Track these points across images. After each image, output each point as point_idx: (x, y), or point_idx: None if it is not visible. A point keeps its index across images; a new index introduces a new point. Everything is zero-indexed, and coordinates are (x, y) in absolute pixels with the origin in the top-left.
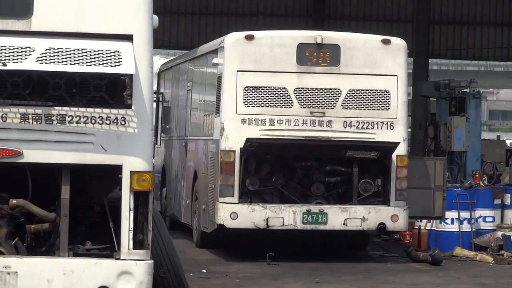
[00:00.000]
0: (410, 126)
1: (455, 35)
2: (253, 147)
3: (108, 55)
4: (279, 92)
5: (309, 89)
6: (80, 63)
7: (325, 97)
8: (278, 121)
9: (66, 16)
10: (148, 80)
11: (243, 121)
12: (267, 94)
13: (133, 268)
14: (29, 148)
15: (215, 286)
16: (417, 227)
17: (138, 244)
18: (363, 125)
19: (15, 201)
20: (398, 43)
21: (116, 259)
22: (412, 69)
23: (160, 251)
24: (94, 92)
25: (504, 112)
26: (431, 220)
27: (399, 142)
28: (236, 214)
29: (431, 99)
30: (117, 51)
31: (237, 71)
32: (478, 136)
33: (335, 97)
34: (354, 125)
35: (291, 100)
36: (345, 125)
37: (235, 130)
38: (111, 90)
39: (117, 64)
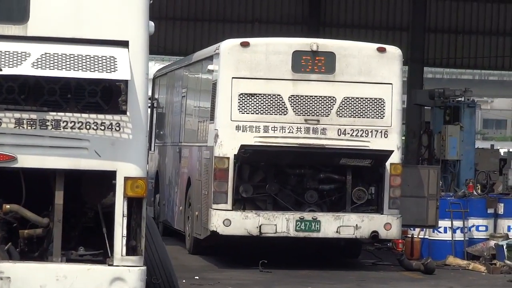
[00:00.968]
0: (404, 134)
1: (450, 43)
2: (247, 154)
3: (104, 61)
4: (273, 99)
5: (304, 97)
6: (76, 69)
7: (320, 105)
8: (273, 128)
9: (62, 21)
10: (143, 86)
11: (238, 128)
12: (262, 101)
13: (126, 274)
14: (23, 153)
15: None
16: (410, 236)
17: (131, 250)
18: (358, 133)
19: (8, 206)
20: (393, 51)
21: (109, 265)
22: (407, 77)
23: (153, 258)
24: (89, 98)
25: (498, 121)
26: (424, 229)
27: (393, 150)
28: (229, 221)
29: (425, 107)
30: (112, 57)
31: (232, 77)
32: (472, 145)
33: (329, 105)
34: (348, 133)
35: (286, 108)
36: (339, 133)
37: (229, 136)
38: (106, 96)
39: (112, 70)
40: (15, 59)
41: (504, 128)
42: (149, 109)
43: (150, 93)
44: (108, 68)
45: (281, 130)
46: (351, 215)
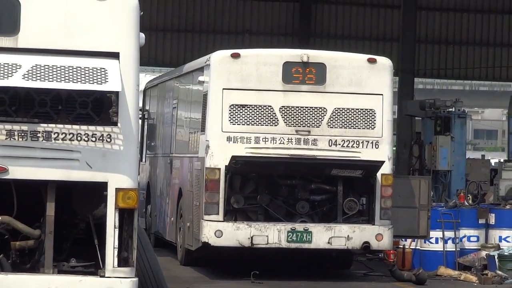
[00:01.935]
0: (395, 145)
1: (440, 54)
2: (238, 165)
3: (95, 72)
4: (264, 110)
5: (295, 108)
6: (67, 80)
7: (311, 116)
8: (264, 139)
9: (53, 33)
10: (134, 98)
11: (229, 139)
12: (253, 112)
13: (118, 285)
14: (14, 164)
15: None
16: (402, 246)
17: (122, 261)
18: (348, 144)
19: (0, 218)
20: (384, 62)
21: (101, 276)
22: (398, 88)
23: (145, 269)
24: (80, 109)
25: (489, 132)
26: (416, 239)
27: (384, 161)
28: (220, 232)
29: (416, 118)
30: (103, 68)
31: (223, 89)
32: (463, 155)
33: (320, 116)
34: (339, 144)
35: (277, 119)
36: (330, 144)
37: (220, 147)
38: (97, 107)
39: (103, 81)
40: (5, 70)
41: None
42: (140, 120)
43: (141, 105)
44: (99, 79)
45: (272, 141)
46: (342, 226)
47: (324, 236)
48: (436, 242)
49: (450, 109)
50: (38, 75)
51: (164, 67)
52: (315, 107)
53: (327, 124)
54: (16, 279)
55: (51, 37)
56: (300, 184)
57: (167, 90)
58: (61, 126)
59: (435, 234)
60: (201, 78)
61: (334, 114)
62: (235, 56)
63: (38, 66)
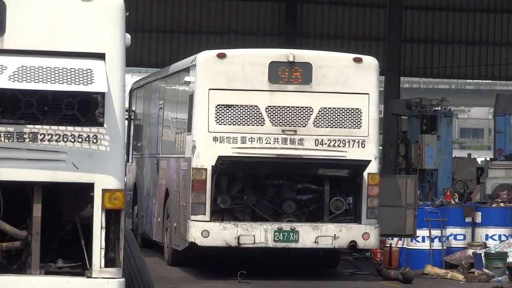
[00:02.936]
0: (381, 144)
1: (426, 53)
2: (224, 165)
3: (80, 73)
4: (251, 110)
5: (281, 107)
6: (53, 81)
7: (297, 115)
8: (250, 139)
9: (39, 34)
10: (120, 98)
11: (215, 139)
12: (239, 112)
13: (105, 286)
14: (0, 166)
15: None
16: (388, 245)
17: (109, 262)
18: (335, 143)
19: None
20: (370, 61)
21: (88, 277)
22: (384, 87)
23: (132, 269)
24: (66, 110)
25: (475, 130)
26: (402, 238)
27: (371, 160)
28: (207, 232)
29: (402, 117)
30: (89, 69)
31: (209, 89)
32: (449, 154)
33: (306, 115)
34: (325, 143)
35: (263, 118)
36: (316, 143)
37: (206, 148)
38: (83, 108)
39: (89, 82)
40: None
41: (481, 137)
42: (126, 121)
43: (127, 105)
44: (85, 80)
45: (258, 141)
46: (329, 225)
47: (310, 235)
48: (423, 240)
49: (436, 108)
50: (24, 76)
51: (150, 67)
52: (301, 107)
53: (313, 123)
54: (2, 280)
55: (37, 38)
56: (286, 184)
57: (153, 90)
58: (47, 127)
59: (421, 232)
60: (187, 79)
61: (320, 114)
62: (221, 56)
63: (24, 68)
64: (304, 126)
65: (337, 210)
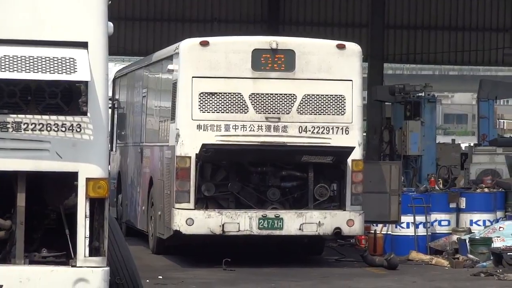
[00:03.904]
0: (365, 130)
1: (409, 39)
2: (208, 153)
3: (63, 62)
4: (234, 98)
5: (264, 95)
6: (35, 71)
7: (280, 103)
8: (234, 127)
9: (21, 23)
10: (104, 87)
11: (199, 127)
12: (223, 100)
13: (89, 275)
14: None
15: None
16: (373, 232)
17: (94, 251)
18: (319, 130)
19: None
20: (353, 48)
21: (72, 266)
22: (367, 74)
23: (116, 258)
24: (49, 100)
25: (459, 116)
26: (387, 225)
27: (354, 147)
28: (192, 220)
29: (386, 103)
30: (72, 58)
31: (192, 77)
32: (433, 140)
33: (290, 102)
34: (309, 130)
35: (247, 106)
36: (300, 130)
37: (190, 136)
38: (67, 97)
39: (72, 71)
40: None
41: (465, 123)
42: (110, 110)
43: (110, 94)
44: (68, 69)
45: (242, 128)
46: (313, 212)
47: (295, 222)
48: (407, 226)
49: (420, 94)
50: (7, 66)
51: (133, 56)
52: (284, 94)
53: (297, 110)
54: None
55: (19, 27)
56: (271, 171)
57: (137, 79)
58: (30, 116)
59: (406, 219)
60: (170, 67)
61: (303, 101)
62: (204, 44)
63: (7, 57)
64: (288, 113)
65: (321, 197)
